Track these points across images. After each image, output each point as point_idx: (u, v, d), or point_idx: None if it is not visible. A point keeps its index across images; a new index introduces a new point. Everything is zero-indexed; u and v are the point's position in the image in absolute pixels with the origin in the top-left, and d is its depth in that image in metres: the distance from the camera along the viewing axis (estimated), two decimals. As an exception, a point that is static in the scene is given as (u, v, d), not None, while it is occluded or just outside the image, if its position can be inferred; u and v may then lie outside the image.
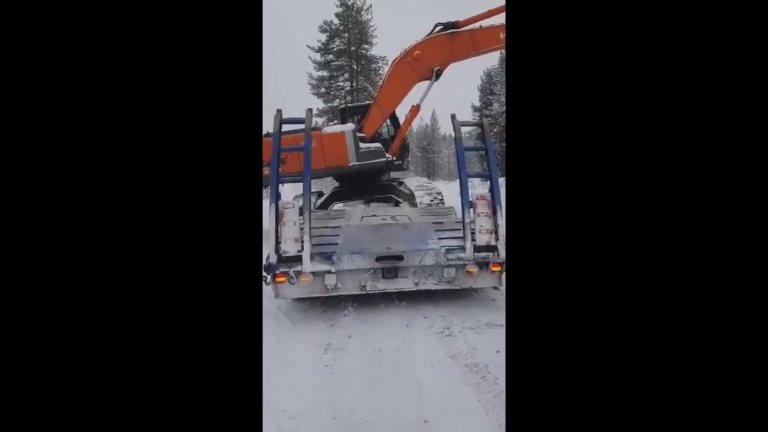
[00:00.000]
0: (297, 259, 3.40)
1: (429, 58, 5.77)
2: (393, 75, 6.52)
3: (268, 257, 3.44)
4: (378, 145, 8.19)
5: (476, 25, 6.10)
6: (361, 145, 7.99)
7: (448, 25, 6.09)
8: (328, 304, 3.92)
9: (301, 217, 3.47)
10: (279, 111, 3.70)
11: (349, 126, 8.09)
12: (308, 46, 26.00)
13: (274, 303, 3.92)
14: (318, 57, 26.12)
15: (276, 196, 3.44)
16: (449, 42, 5.93)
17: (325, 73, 26.48)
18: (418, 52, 5.77)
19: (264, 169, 8.14)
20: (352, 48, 25.97)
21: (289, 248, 3.42)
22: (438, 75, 5.89)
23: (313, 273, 3.46)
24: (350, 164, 7.84)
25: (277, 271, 3.41)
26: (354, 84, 26.04)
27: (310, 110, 3.76)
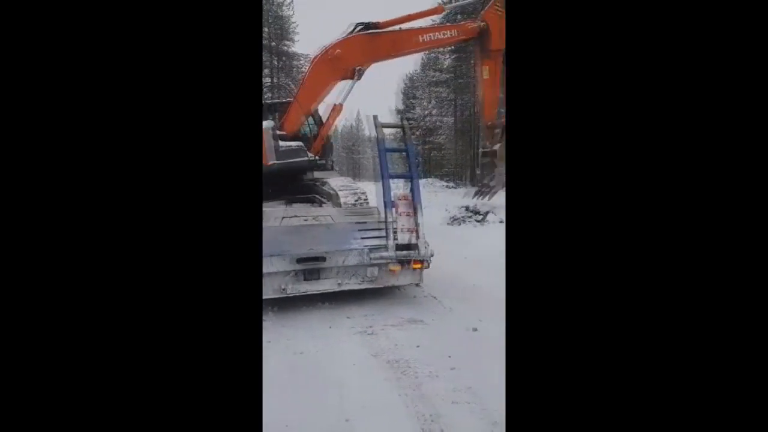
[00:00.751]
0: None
1: (349, 57, 5.78)
2: (313, 72, 6.43)
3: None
4: (299, 143, 8.00)
5: (396, 27, 6.25)
6: (281, 143, 7.73)
7: (368, 26, 6.17)
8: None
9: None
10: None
11: (269, 123, 7.78)
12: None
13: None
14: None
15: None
16: (369, 42, 5.99)
17: (244, 68, 25.21)
18: (338, 50, 5.74)
19: None
20: (273, 43, 25.12)
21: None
22: (360, 74, 5.93)
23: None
24: (269, 163, 7.58)
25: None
26: (274, 80, 25.20)
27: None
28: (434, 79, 23.16)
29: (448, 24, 7.08)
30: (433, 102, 26.42)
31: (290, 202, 8.13)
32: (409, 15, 6.47)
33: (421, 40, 6.36)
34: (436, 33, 6.49)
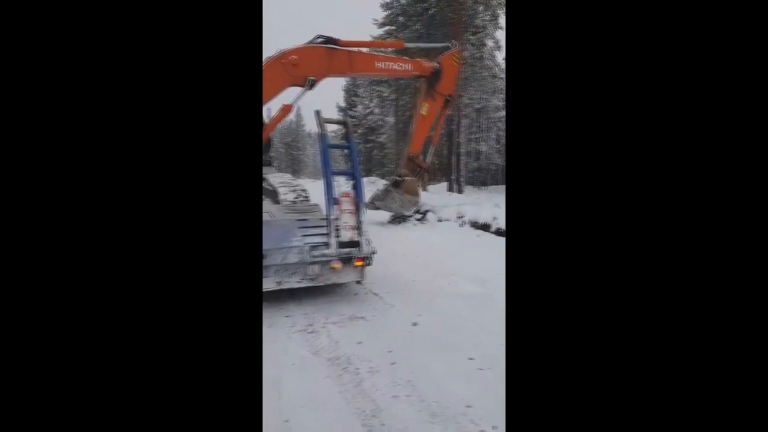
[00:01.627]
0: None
1: (305, 66, 5.66)
2: (265, 73, 6.23)
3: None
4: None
5: (355, 48, 6.26)
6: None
7: (330, 40, 6.09)
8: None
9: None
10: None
11: None
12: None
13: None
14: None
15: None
16: (328, 56, 5.94)
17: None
18: (295, 57, 5.60)
19: None
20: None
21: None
22: (311, 85, 5.84)
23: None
24: None
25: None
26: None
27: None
28: (376, 78, 23.38)
29: (405, 57, 7.26)
30: (375, 101, 26.59)
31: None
32: (372, 41, 6.49)
33: (376, 66, 6.45)
34: (393, 63, 6.66)
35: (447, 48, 7.45)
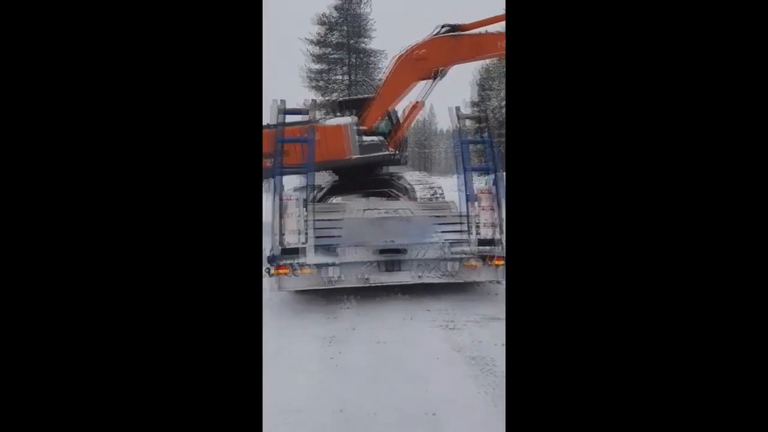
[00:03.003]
0: (299, 251, 3.38)
1: (433, 58, 5.75)
2: (396, 71, 6.49)
3: (271, 249, 3.41)
4: (380, 138, 8.15)
5: (480, 30, 6.10)
6: (363, 138, 7.94)
7: (452, 28, 6.08)
8: (330, 297, 3.90)
9: (303, 209, 3.44)
10: (280, 101, 3.66)
11: (349, 119, 8.04)
12: (305, 39, 25.77)
13: (277, 295, 3.90)
14: (315, 49, 25.90)
15: (278, 188, 3.41)
16: (453, 44, 5.92)
17: (321, 66, 26.27)
18: (423, 51, 5.74)
19: (265, 160, 8.09)
20: (351, 41, 25.78)
21: (292, 240, 3.39)
22: (441, 75, 5.88)
23: (316, 265, 3.44)
24: (348, 157, 7.81)
25: (280, 263, 3.39)
26: (351, 77, 25.89)
27: (314, 101, 3.73)
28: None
29: None
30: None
31: (366, 195, 8.34)
32: (491, 18, 6.26)
33: (501, 46, 6.15)
34: None
35: None
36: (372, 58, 26.18)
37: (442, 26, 6.10)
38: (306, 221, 3.40)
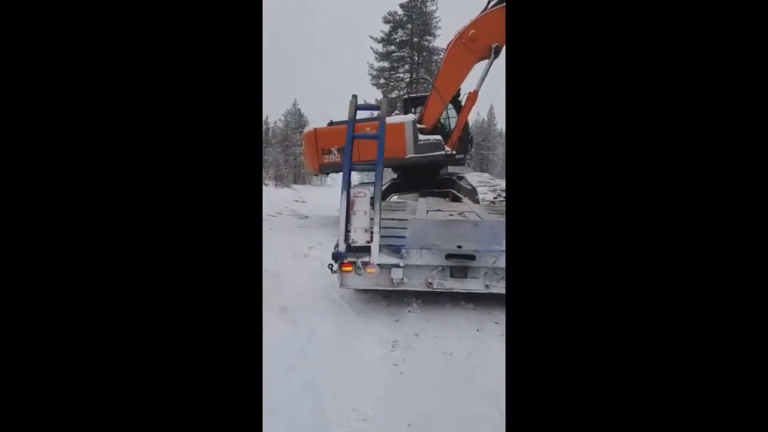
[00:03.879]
0: (365, 250, 3.29)
1: (485, 36, 5.33)
2: (449, 58, 6.13)
3: (336, 245, 3.36)
4: (438, 137, 7.89)
5: None
6: (421, 137, 7.73)
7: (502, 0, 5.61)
8: (391, 298, 3.79)
9: (371, 207, 3.34)
10: (354, 97, 3.59)
11: (410, 117, 7.85)
12: (371, 37, 26.01)
13: (337, 292, 3.86)
14: (380, 48, 26.07)
15: (348, 184, 3.34)
16: (504, 17, 5.49)
17: (385, 64, 26.40)
18: (473, 31, 5.36)
19: (327, 156, 8.17)
20: (415, 39, 25.63)
21: (359, 238, 3.31)
22: (497, 53, 5.44)
23: (381, 265, 3.34)
24: (407, 156, 7.65)
25: (345, 260, 3.32)
26: (414, 75, 25.73)
27: (385, 97, 3.63)
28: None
29: None
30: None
31: (425, 195, 8.14)
32: None
33: None
34: None
35: None
36: (435, 57, 25.83)
37: (489, 0, 5.65)
38: (372, 219, 3.30)
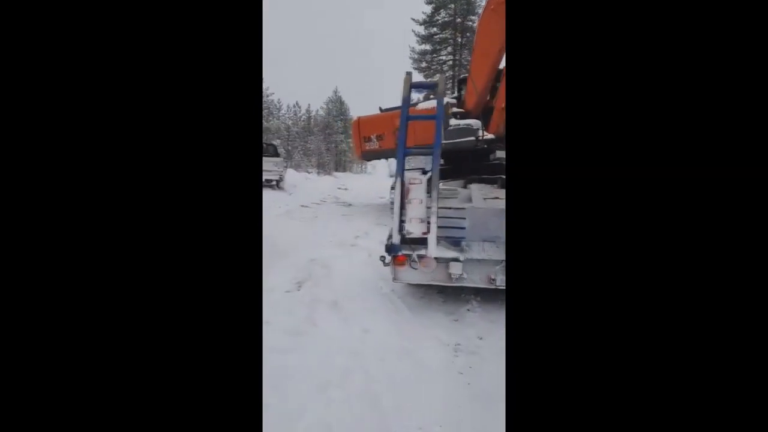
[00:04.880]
0: (421, 242, 3.00)
1: None
2: (480, 32, 5.43)
3: (389, 237, 3.10)
4: (470, 122, 7.38)
5: None
6: (451, 122, 7.27)
7: None
8: (447, 293, 3.49)
9: (427, 195, 3.04)
10: (409, 74, 3.27)
11: (442, 100, 7.53)
12: (412, 19, 25.29)
13: (389, 285, 3.62)
14: (422, 30, 25.31)
15: (402, 170, 3.05)
16: None
17: (427, 47, 25.64)
18: None
19: (368, 144, 7.95)
20: (458, 19, 24.62)
21: (414, 229, 3.02)
22: None
23: (438, 259, 3.04)
24: (445, 142, 7.41)
25: (399, 253, 3.05)
26: (456, 57, 24.82)
27: (442, 76, 3.27)
28: None
29: None
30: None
31: (472, 181, 7.69)
32: None
33: None
34: None
35: None
36: (480, 37, 24.71)
37: None
38: (429, 208, 2.99)
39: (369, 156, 8.13)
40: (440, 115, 3.09)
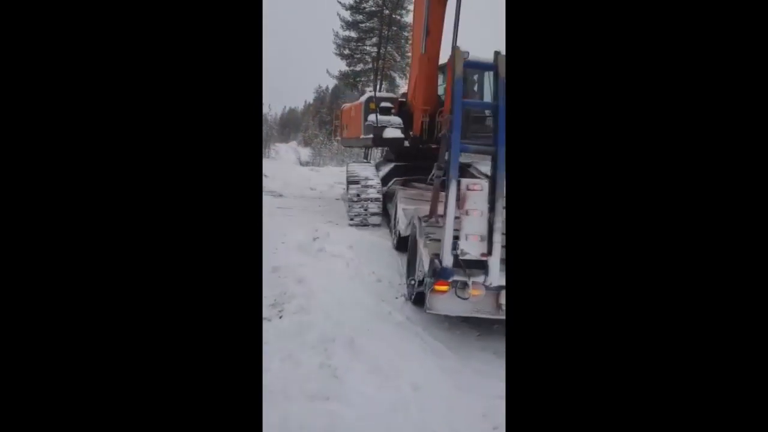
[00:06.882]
0: (479, 266, 2.34)
1: None
2: (416, 14, 5.02)
3: (437, 257, 2.37)
4: (396, 119, 6.98)
5: None
6: (380, 118, 6.79)
7: None
8: (479, 324, 2.88)
9: (488, 205, 2.39)
10: (464, 51, 2.56)
11: (368, 96, 7.30)
12: (338, 2, 24.11)
13: (395, 309, 2.88)
14: (347, 15, 24.29)
15: (456, 172, 2.34)
16: None
17: (352, 34, 24.71)
18: None
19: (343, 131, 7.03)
20: (386, 11, 24.18)
21: (471, 249, 2.34)
22: None
23: (485, 285, 2.41)
24: (361, 137, 7.25)
25: (451, 278, 2.35)
26: (381, 50, 24.40)
27: (497, 52, 2.63)
28: None
29: None
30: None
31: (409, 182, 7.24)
32: None
33: None
34: None
35: None
36: (406, 33, 24.66)
37: None
38: (491, 223, 2.35)
39: (346, 143, 8.47)
40: (502, 103, 2.45)
